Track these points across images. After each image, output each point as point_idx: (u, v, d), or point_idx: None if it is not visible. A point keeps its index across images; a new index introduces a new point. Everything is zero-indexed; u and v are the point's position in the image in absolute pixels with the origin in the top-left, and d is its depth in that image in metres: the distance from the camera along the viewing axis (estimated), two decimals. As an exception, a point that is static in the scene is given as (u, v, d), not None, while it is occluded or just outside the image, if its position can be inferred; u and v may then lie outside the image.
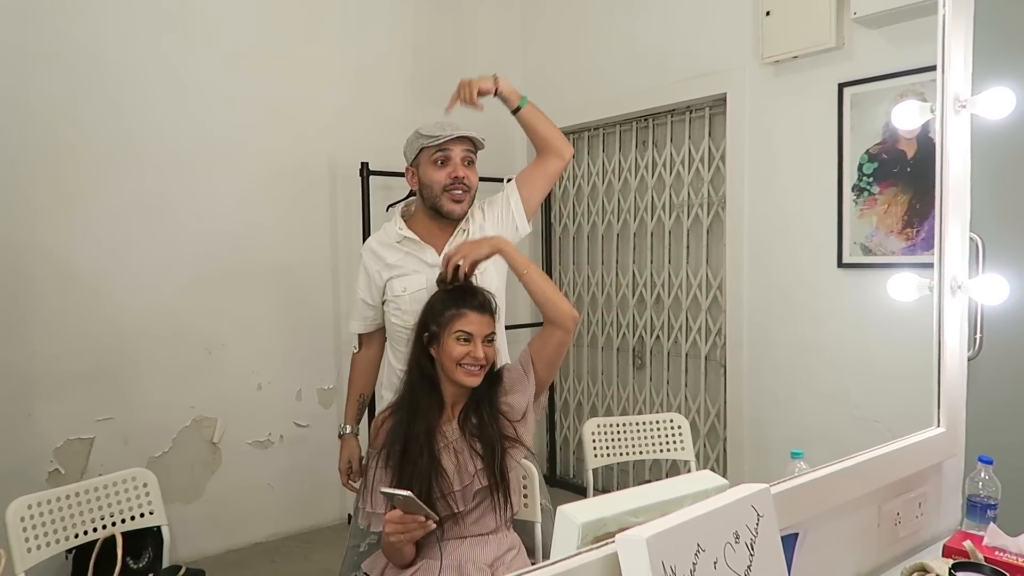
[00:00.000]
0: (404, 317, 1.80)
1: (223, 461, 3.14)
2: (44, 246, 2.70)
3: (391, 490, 1.35)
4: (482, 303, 1.61)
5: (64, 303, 2.74)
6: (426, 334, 1.61)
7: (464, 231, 1.86)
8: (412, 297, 1.78)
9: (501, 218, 1.93)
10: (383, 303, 1.87)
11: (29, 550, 1.58)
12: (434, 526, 1.38)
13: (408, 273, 1.81)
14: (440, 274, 1.68)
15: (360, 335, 1.98)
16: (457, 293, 1.63)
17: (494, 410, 1.61)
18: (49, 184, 2.70)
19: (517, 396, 1.64)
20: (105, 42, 2.79)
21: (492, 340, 1.61)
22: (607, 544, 0.85)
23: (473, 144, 1.83)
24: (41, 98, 2.67)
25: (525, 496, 1.78)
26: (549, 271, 3.90)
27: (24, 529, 1.59)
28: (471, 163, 1.83)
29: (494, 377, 1.66)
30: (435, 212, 1.82)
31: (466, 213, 1.84)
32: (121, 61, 2.83)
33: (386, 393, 1.90)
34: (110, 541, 1.71)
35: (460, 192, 1.79)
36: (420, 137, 1.81)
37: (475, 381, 1.58)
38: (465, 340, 1.56)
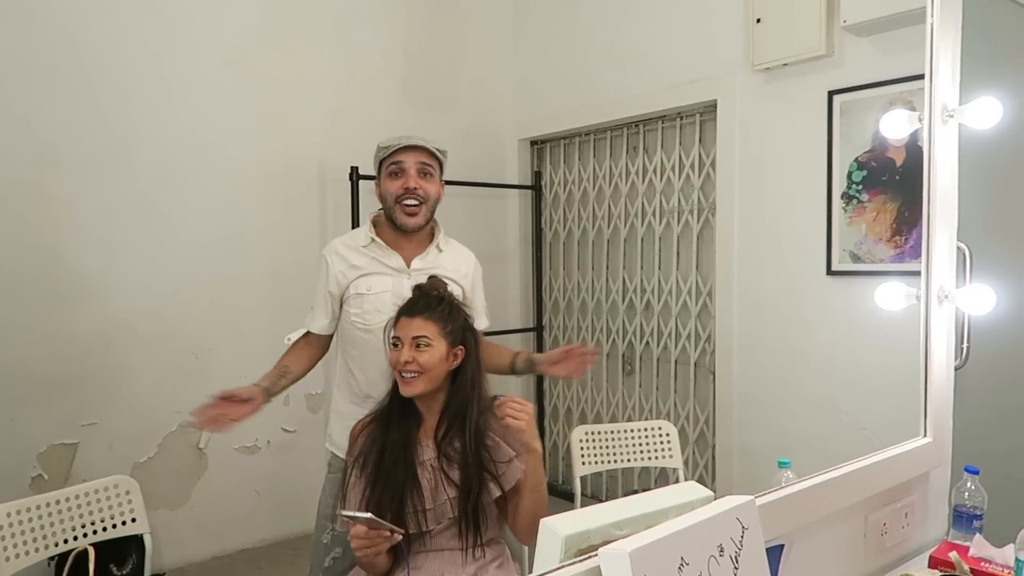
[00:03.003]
0: (364, 317, 1.76)
1: (209, 466, 3.12)
2: (29, 249, 2.68)
3: (352, 513, 1.33)
4: (418, 309, 1.55)
5: (49, 306, 2.71)
6: None
7: (441, 250, 1.84)
8: (376, 297, 1.76)
9: (462, 279, 1.87)
10: (342, 301, 1.82)
11: (8, 559, 1.56)
12: (400, 538, 1.35)
13: (372, 273, 1.78)
14: (417, 284, 1.67)
15: (310, 333, 1.88)
16: (407, 302, 1.60)
17: (479, 442, 1.54)
18: (34, 187, 2.68)
19: (503, 448, 1.55)
20: (93, 45, 2.77)
21: (428, 345, 1.52)
22: (590, 557, 0.84)
23: (430, 155, 1.78)
24: (27, 99, 2.65)
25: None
26: (539, 277, 3.90)
27: (3, 538, 1.56)
28: (428, 174, 1.78)
29: (486, 404, 1.58)
30: (392, 224, 1.80)
31: (422, 226, 1.79)
32: (109, 64, 2.81)
33: (338, 393, 1.88)
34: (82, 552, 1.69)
35: (414, 204, 1.75)
36: (378, 150, 1.81)
37: (408, 390, 1.51)
38: (396, 345, 1.53)
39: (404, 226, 1.77)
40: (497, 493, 1.53)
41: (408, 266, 1.79)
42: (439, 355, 1.53)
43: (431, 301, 1.58)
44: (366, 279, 1.78)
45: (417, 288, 1.64)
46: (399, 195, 1.75)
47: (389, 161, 1.77)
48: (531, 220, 3.91)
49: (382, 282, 1.77)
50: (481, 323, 1.92)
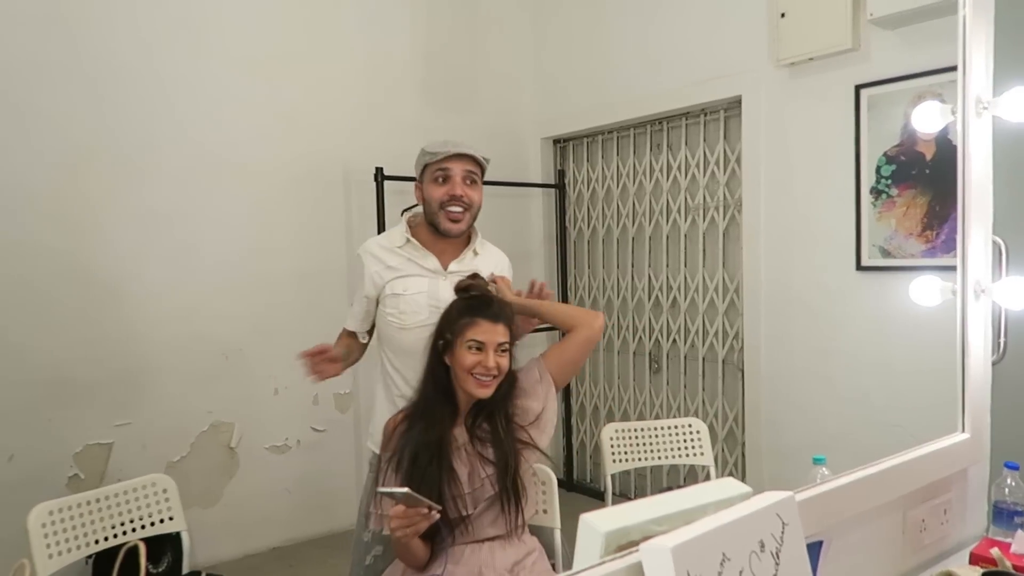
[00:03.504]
0: (401, 317, 1.79)
1: (240, 466, 3.16)
2: (62, 252, 2.73)
3: (388, 489, 1.35)
4: (496, 312, 1.59)
5: (82, 309, 2.76)
6: (441, 342, 1.60)
7: (477, 253, 1.86)
8: (411, 299, 1.78)
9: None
10: (378, 302, 1.85)
11: (51, 556, 1.60)
12: (437, 516, 1.36)
13: (408, 275, 1.81)
14: (459, 281, 1.68)
15: (347, 330, 1.95)
16: (473, 302, 1.62)
17: (509, 418, 1.60)
18: (67, 190, 2.73)
19: (530, 401, 1.63)
20: (121, 50, 2.82)
21: (506, 350, 1.58)
22: (631, 553, 0.84)
23: (476, 163, 1.81)
24: (58, 105, 2.70)
25: (544, 503, 1.77)
26: (564, 275, 3.90)
27: (45, 536, 1.60)
28: (473, 182, 1.81)
29: (509, 380, 1.63)
30: (434, 228, 1.82)
31: (464, 231, 1.82)
32: (137, 69, 2.85)
33: (379, 391, 1.89)
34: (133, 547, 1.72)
35: (458, 211, 1.77)
36: (424, 154, 1.82)
37: (486, 392, 1.55)
38: (477, 349, 1.54)
39: (447, 232, 1.79)
40: (534, 459, 1.60)
41: (445, 268, 1.80)
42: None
43: (503, 307, 1.63)
44: (402, 280, 1.80)
45: (469, 287, 1.65)
46: (444, 201, 1.77)
47: (436, 167, 1.78)
48: (555, 218, 3.91)
49: (418, 283, 1.79)
50: None
